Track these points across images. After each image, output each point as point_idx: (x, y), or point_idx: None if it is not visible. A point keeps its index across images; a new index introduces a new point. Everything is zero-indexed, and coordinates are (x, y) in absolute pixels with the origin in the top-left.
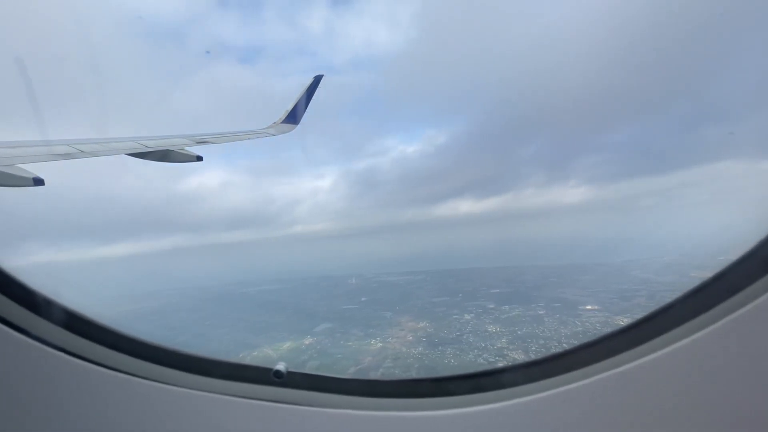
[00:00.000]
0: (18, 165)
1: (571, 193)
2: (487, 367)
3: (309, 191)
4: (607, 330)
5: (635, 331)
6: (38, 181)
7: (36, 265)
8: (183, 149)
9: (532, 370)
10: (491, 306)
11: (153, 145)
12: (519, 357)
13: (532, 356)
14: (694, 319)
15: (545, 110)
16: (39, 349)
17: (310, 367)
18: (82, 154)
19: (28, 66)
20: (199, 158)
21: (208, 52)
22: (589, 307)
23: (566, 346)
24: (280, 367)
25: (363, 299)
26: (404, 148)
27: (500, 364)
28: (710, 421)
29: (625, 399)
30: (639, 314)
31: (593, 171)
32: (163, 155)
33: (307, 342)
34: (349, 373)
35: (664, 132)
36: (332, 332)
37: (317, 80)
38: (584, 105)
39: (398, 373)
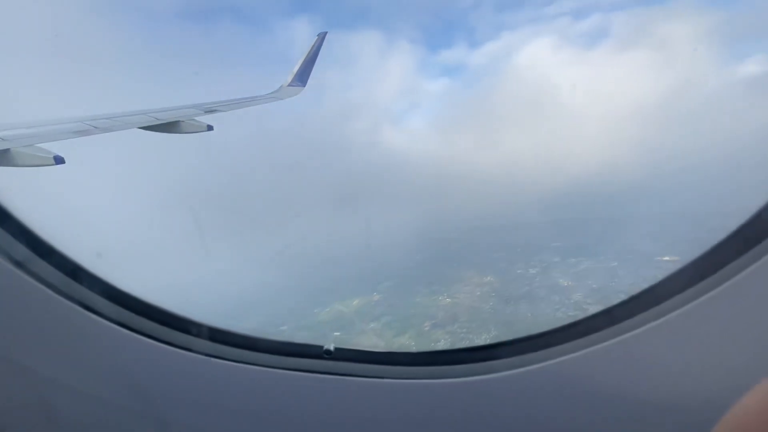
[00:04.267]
0: (37, 144)
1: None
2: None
3: None
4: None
5: (632, 304)
6: (59, 160)
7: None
8: (193, 119)
9: (549, 337)
10: (556, 259)
11: (163, 117)
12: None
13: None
14: (691, 288)
15: None
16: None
17: (385, 322)
18: (96, 130)
19: (37, 43)
20: (210, 128)
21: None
22: (667, 258)
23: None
24: (329, 346)
25: (417, 257)
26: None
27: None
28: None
29: (625, 368)
30: None
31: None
32: (174, 127)
33: (375, 298)
34: (424, 327)
35: None
36: (396, 288)
37: (321, 38)
38: None
39: (475, 328)
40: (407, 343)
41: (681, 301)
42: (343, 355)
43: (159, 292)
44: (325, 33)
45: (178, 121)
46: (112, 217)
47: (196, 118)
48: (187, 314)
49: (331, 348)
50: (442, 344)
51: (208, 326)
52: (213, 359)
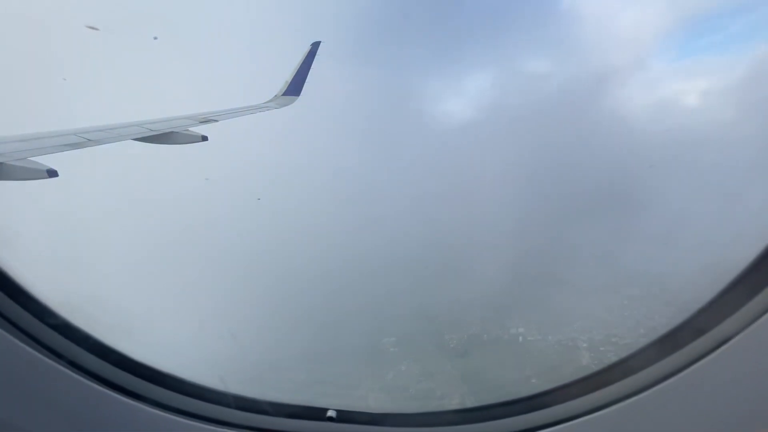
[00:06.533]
0: (30, 158)
1: None
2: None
3: None
4: None
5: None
6: (52, 173)
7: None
8: (187, 130)
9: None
10: None
11: (157, 128)
12: None
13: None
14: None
15: None
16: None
17: None
18: (89, 143)
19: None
20: (204, 138)
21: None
22: None
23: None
24: (332, 413)
25: None
26: None
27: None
28: None
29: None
30: None
31: None
32: (168, 137)
33: None
34: None
35: None
36: None
37: (314, 48)
38: None
39: None
40: None
41: (675, 364)
42: (346, 417)
43: (155, 326)
44: (319, 42)
45: (172, 132)
46: (105, 232)
47: (191, 129)
48: (178, 372)
49: (333, 414)
50: None
51: (203, 387)
52: (210, 427)
